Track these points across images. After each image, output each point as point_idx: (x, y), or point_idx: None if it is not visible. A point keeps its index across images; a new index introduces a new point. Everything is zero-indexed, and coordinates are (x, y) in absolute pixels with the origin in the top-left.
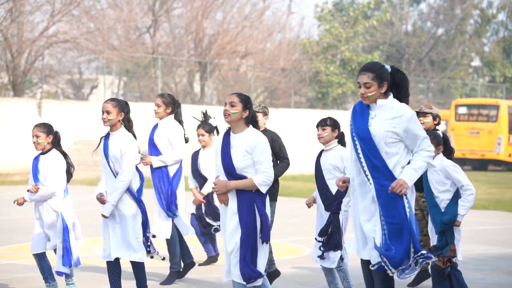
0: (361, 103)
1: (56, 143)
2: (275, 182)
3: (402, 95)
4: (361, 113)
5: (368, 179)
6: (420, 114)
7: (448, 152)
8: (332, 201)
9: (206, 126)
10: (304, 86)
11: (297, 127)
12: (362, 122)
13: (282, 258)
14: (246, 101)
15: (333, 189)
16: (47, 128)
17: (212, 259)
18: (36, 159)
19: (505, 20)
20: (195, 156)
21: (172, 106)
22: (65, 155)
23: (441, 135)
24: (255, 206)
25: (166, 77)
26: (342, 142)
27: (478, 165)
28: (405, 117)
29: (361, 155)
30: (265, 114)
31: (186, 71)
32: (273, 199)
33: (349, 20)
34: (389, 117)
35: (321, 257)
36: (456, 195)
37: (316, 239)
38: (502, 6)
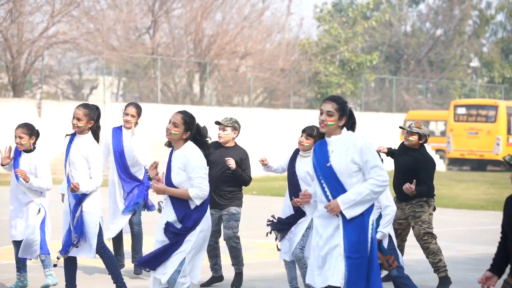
0: (320, 143)
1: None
2: (239, 192)
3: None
4: (320, 152)
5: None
6: (408, 132)
7: None
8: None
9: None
10: (303, 86)
11: (296, 128)
12: (322, 160)
13: (279, 259)
14: (189, 123)
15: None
16: (30, 130)
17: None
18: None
19: (504, 21)
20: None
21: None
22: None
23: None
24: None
25: (165, 77)
26: None
27: (476, 165)
28: (359, 146)
29: (326, 190)
30: (235, 129)
31: (185, 72)
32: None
33: (348, 21)
34: (344, 149)
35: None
36: None
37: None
38: (500, 7)
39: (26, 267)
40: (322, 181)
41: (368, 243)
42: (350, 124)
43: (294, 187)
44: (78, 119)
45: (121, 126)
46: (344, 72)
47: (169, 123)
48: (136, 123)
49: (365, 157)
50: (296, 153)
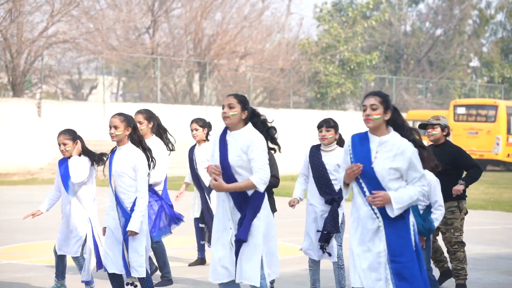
0: (360, 137)
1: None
2: (270, 196)
3: (403, 132)
4: (361, 148)
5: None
6: (428, 126)
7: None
8: (335, 196)
9: (199, 121)
10: (303, 86)
11: (296, 127)
12: (364, 158)
13: (282, 258)
14: (244, 102)
15: (336, 187)
16: (73, 135)
17: (201, 260)
18: (62, 163)
19: (504, 20)
20: (190, 152)
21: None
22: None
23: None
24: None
25: (165, 77)
26: (340, 143)
27: None
28: (408, 155)
29: (364, 186)
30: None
31: (185, 72)
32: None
33: (348, 21)
34: (391, 154)
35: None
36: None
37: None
38: (500, 6)
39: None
40: (361, 179)
41: (413, 246)
42: (397, 126)
43: (325, 182)
44: (116, 127)
45: None
46: (344, 72)
47: (223, 108)
48: (149, 129)
49: (412, 168)
50: (315, 150)
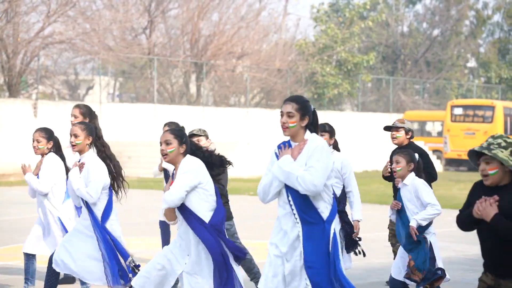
0: (284, 144)
1: (56, 148)
2: (226, 203)
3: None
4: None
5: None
6: (392, 128)
7: (420, 170)
8: (338, 202)
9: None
10: (300, 87)
11: None
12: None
13: None
14: (181, 136)
15: (337, 192)
16: (49, 134)
17: None
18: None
19: (501, 21)
20: None
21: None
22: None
23: (416, 156)
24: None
25: (162, 78)
26: (336, 147)
27: (473, 166)
28: (312, 147)
29: (289, 196)
30: (207, 137)
31: (182, 72)
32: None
33: (345, 21)
34: (305, 158)
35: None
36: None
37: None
38: (497, 7)
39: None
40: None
41: (328, 254)
42: (314, 126)
43: None
44: (76, 136)
45: None
46: (341, 73)
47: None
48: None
49: (312, 157)
50: None
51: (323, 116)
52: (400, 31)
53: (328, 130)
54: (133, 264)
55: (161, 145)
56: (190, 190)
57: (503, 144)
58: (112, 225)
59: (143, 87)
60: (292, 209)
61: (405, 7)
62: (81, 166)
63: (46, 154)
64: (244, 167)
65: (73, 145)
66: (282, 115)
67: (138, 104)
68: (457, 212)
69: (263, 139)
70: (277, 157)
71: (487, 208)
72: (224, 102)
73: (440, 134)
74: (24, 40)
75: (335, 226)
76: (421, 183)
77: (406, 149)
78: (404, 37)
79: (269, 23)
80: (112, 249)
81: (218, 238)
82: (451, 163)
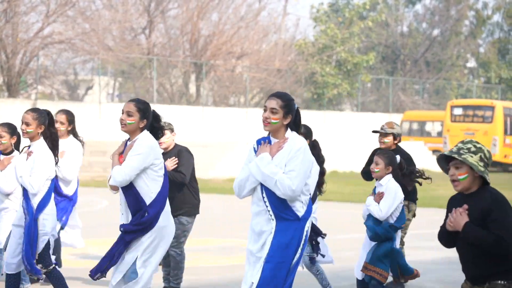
0: (263, 140)
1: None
2: (197, 195)
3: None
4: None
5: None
6: (381, 134)
7: (398, 173)
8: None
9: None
10: (300, 87)
11: None
12: None
13: None
14: (144, 111)
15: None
16: (12, 129)
17: None
18: None
19: (500, 21)
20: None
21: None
22: None
23: (398, 157)
24: None
25: (161, 78)
26: (316, 148)
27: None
28: (294, 149)
29: (263, 190)
30: (172, 130)
31: (181, 72)
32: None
33: (345, 21)
34: (285, 156)
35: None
36: (400, 217)
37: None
38: (497, 7)
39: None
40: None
41: (298, 249)
42: (296, 125)
43: None
44: (27, 124)
45: None
46: (340, 73)
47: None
48: (68, 131)
49: (291, 160)
50: None
51: (322, 116)
52: (399, 31)
53: (303, 132)
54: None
55: (122, 113)
56: (139, 172)
57: (473, 149)
58: (44, 219)
59: (142, 87)
60: (267, 206)
61: (404, 7)
62: (29, 153)
63: (9, 150)
64: None
65: (23, 133)
66: (265, 110)
67: None
68: None
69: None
70: (255, 152)
71: (457, 218)
72: (223, 102)
73: (439, 134)
74: (23, 40)
75: (309, 225)
76: (393, 189)
77: (387, 151)
78: (404, 37)
79: (268, 23)
80: (29, 243)
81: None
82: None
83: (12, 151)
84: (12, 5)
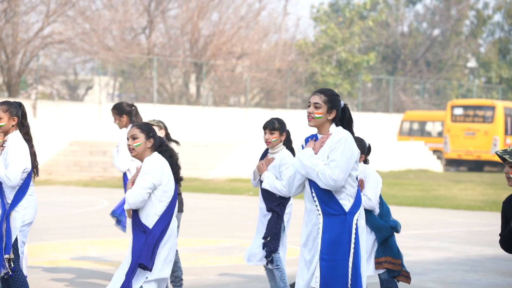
0: (311, 137)
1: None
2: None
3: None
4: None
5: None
6: None
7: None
8: (277, 203)
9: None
10: (300, 87)
11: (293, 128)
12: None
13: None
14: (147, 131)
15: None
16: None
17: None
18: None
19: (501, 21)
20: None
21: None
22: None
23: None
24: None
25: (161, 77)
26: (288, 143)
27: (474, 166)
28: (336, 138)
29: (312, 189)
30: (161, 128)
31: (181, 72)
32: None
33: (345, 21)
34: (327, 150)
35: (268, 258)
36: (382, 201)
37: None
38: (498, 7)
39: None
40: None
41: (350, 245)
42: (346, 122)
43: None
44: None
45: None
46: (341, 73)
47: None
48: (122, 123)
49: (333, 151)
50: (265, 153)
51: None
52: (400, 31)
53: (277, 128)
54: (9, 264)
55: (127, 140)
56: (151, 192)
57: None
58: (17, 212)
59: (142, 87)
60: (315, 201)
61: (405, 7)
62: (1, 146)
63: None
64: (244, 167)
65: None
66: (309, 105)
67: (137, 104)
68: (457, 212)
69: (262, 139)
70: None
71: None
72: (224, 102)
73: (440, 134)
74: (23, 40)
75: (359, 218)
76: (372, 173)
77: (359, 138)
78: (404, 37)
79: (269, 23)
80: (1, 238)
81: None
82: (451, 163)
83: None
84: (12, 5)
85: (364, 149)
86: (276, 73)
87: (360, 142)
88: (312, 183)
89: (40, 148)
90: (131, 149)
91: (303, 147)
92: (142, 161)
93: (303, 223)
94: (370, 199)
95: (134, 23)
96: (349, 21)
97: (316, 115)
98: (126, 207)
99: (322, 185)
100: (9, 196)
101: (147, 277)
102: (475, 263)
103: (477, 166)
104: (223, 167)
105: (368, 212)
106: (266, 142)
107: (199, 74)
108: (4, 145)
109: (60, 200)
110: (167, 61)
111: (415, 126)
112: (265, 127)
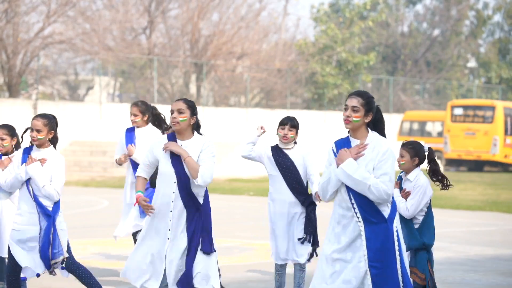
0: (343, 142)
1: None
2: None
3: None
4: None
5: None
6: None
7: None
8: (307, 196)
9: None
10: (300, 87)
11: None
12: None
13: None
14: (193, 107)
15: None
16: (12, 131)
17: None
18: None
19: (501, 21)
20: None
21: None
22: None
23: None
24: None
25: (162, 78)
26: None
27: (473, 166)
28: (382, 150)
29: (350, 193)
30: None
31: (182, 72)
32: None
33: (345, 21)
34: (369, 157)
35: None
36: (429, 214)
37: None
38: (497, 7)
39: None
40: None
41: (395, 252)
42: (375, 123)
43: (294, 179)
44: (38, 131)
45: (133, 127)
46: (341, 73)
47: (172, 113)
48: (144, 121)
49: (382, 162)
50: (276, 149)
51: (323, 116)
52: (400, 31)
53: (296, 125)
54: (61, 263)
55: (172, 113)
56: None
57: None
58: (59, 217)
59: (143, 87)
60: (354, 209)
61: (405, 7)
62: (42, 161)
63: (10, 152)
64: (244, 167)
65: (33, 139)
66: (346, 109)
67: None
68: (457, 212)
69: (263, 139)
70: (335, 155)
71: None
72: (224, 102)
73: (440, 134)
74: (24, 40)
75: (397, 224)
76: (423, 186)
77: (412, 142)
78: (404, 37)
79: (269, 23)
80: (49, 241)
81: None
82: (451, 163)
83: (12, 153)
84: (13, 5)
85: (424, 156)
86: (276, 73)
87: (421, 148)
88: (351, 190)
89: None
90: (175, 123)
91: (335, 153)
92: (181, 136)
93: (332, 229)
94: (408, 210)
95: (134, 23)
96: (349, 21)
97: (354, 119)
98: (201, 182)
99: (373, 198)
100: (47, 204)
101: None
102: (475, 263)
103: (477, 166)
104: (223, 167)
105: (406, 221)
106: (283, 137)
107: (199, 74)
108: (42, 158)
109: (60, 200)
110: (167, 61)
111: (415, 126)
112: (285, 123)
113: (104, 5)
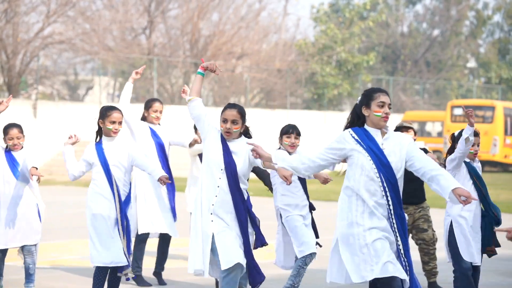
0: (362, 130)
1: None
2: None
3: None
4: (370, 142)
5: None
6: (403, 128)
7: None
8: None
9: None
10: (300, 87)
11: None
12: (380, 153)
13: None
14: (245, 114)
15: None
16: (22, 129)
17: None
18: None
19: (501, 21)
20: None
21: None
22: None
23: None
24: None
25: (161, 78)
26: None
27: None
28: (406, 143)
29: (385, 185)
30: None
31: (181, 72)
32: None
33: (345, 21)
34: (396, 149)
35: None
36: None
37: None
38: (497, 7)
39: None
40: (382, 176)
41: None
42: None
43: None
44: (121, 123)
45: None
46: (341, 73)
47: (225, 122)
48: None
49: (416, 153)
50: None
51: (323, 116)
52: (400, 31)
53: (300, 132)
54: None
55: (226, 122)
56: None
57: None
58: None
59: (143, 87)
60: (386, 191)
61: (405, 7)
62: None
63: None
64: None
65: (114, 132)
66: (382, 106)
67: (138, 105)
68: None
69: (262, 139)
70: (356, 140)
71: None
72: (224, 103)
73: (440, 134)
74: (23, 40)
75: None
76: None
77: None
78: (404, 37)
79: (269, 23)
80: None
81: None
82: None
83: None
84: (13, 5)
85: None
86: (276, 73)
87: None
88: (384, 175)
89: (40, 148)
90: (228, 133)
91: (356, 139)
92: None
93: (369, 214)
94: None
95: (134, 24)
96: (349, 22)
97: (388, 116)
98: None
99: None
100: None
101: None
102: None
103: None
104: None
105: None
106: (291, 146)
107: None
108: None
109: (61, 200)
110: (167, 61)
111: (415, 126)
112: (290, 132)
113: (104, 5)
